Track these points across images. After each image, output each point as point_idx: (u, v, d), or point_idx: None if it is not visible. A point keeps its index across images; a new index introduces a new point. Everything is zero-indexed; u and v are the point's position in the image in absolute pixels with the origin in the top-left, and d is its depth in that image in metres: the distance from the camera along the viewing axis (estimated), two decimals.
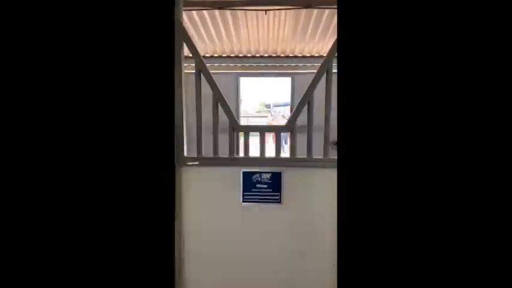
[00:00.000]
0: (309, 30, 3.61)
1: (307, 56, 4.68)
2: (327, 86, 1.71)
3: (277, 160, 1.74)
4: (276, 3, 1.82)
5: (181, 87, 1.66)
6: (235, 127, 1.75)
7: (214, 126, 1.76)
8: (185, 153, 1.71)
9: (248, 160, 1.73)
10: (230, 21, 3.35)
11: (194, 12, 3.00)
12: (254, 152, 1.79)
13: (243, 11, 2.96)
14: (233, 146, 1.76)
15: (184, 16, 1.68)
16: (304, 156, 1.74)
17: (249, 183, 1.71)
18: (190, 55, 1.72)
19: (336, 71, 1.65)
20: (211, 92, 1.73)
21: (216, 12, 3.04)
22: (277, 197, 1.70)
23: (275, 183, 1.70)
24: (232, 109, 1.76)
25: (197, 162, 1.71)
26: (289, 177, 1.70)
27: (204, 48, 4.34)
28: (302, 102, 1.72)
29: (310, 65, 4.67)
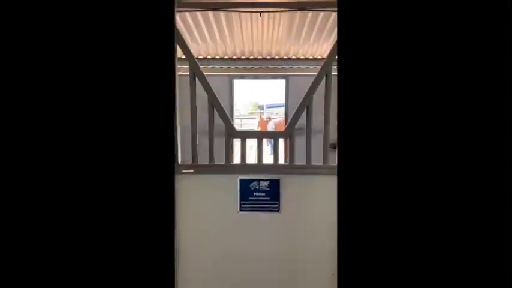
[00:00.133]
0: (304, 33, 3.59)
1: (302, 58, 4.66)
2: (326, 89, 1.67)
3: (275, 167, 1.69)
4: (271, 5, 1.77)
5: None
6: (231, 133, 1.70)
7: (210, 132, 1.70)
8: (179, 161, 1.64)
9: (245, 167, 1.67)
10: (224, 23, 3.29)
11: (187, 13, 2.93)
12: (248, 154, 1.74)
13: (237, 12, 2.91)
14: (229, 152, 1.70)
15: (178, 17, 1.62)
16: (303, 160, 1.70)
17: (247, 191, 1.65)
18: (184, 57, 1.66)
19: (335, 73, 1.61)
20: (204, 93, 1.67)
21: (210, 13, 2.98)
22: (276, 206, 1.65)
23: (273, 191, 1.65)
24: (226, 111, 1.70)
25: (192, 170, 1.64)
26: (287, 185, 1.65)
27: (197, 49, 4.27)
28: (301, 107, 1.68)
29: (304, 67, 4.66)
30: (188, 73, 1.68)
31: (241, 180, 1.65)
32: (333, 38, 3.64)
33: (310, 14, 3.02)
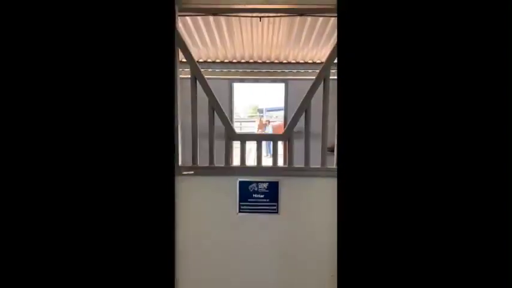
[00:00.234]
0: (303, 37, 3.63)
1: (301, 62, 4.71)
2: (324, 93, 1.70)
3: (274, 169, 1.71)
4: (270, 10, 1.81)
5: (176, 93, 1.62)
6: (231, 135, 1.72)
7: (210, 135, 1.72)
8: (180, 163, 1.66)
9: (244, 169, 1.69)
10: (224, 27, 3.34)
11: (188, 17, 2.97)
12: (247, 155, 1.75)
13: (237, 17, 2.95)
14: (229, 155, 1.72)
15: (179, 21, 1.65)
16: (301, 163, 1.72)
17: (246, 192, 1.67)
18: (184, 60, 1.69)
19: (334, 77, 1.64)
20: (204, 96, 1.69)
21: (211, 18, 3.02)
22: (275, 207, 1.67)
23: (272, 192, 1.67)
24: (226, 114, 1.73)
25: (192, 172, 1.66)
26: (286, 187, 1.67)
27: (198, 53, 4.31)
28: (300, 110, 1.70)
29: (303, 71, 4.70)
30: (189, 76, 1.71)
31: (241, 182, 1.67)
32: (332, 42, 3.69)
33: (309, 19, 3.07)
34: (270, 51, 4.27)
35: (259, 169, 1.70)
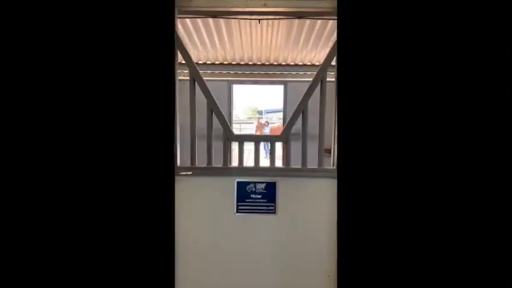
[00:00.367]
0: (302, 40, 3.66)
1: (300, 64, 4.73)
2: (321, 95, 1.72)
3: (271, 170, 1.72)
4: (269, 13, 1.83)
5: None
6: (229, 137, 1.74)
7: (209, 136, 1.74)
8: (178, 163, 1.68)
9: (242, 170, 1.71)
10: (224, 29, 3.36)
11: (188, 19, 3.00)
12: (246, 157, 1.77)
13: (237, 19, 2.97)
14: (227, 155, 1.74)
15: (178, 23, 1.67)
16: (298, 165, 1.73)
17: (243, 193, 1.68)
18: (184, 62, 1.70)
19: (331, 79, 1.66)
20: (203, 98, 1.71)
21: (210, 20, 3.05)
22: (272, 208, 1.69)
23: (270, 193, 1.68)
24: (225, 116, 1.74)
25: (190, 172, 1.68)
26: (283, 187, 1.69)
27: (197, 55, 4.34)
28: (297, 112, 1.72)
29: (302, 73, 4.73)
30: (188, 78, 1.73)
31: (238, 183, 1.68)
32: (331, 44, 3.70)
33: (308, 21, 3.09)
34: (269, 53, 4.30)
35: (256, 170, 1.72)
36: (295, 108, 1.73)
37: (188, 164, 1.73)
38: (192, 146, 1.74)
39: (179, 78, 1.72)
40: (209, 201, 1.70)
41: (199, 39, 3.63)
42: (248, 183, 1.68)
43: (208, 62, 4.69)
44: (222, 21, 3.09)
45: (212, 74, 4.71)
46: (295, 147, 1.75)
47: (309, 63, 4.69)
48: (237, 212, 1.69)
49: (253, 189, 1.68)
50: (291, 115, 1.74)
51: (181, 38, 1.68)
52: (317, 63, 4.59)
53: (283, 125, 4.94)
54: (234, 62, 4.71)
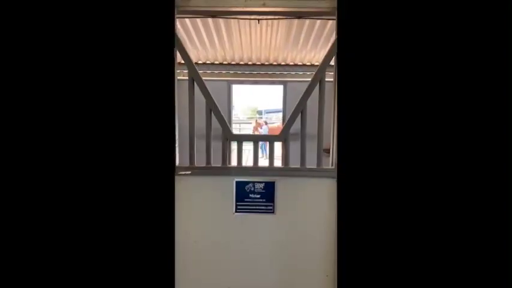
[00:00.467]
0: (301, 40, 3.66)
1: (299, 65, 4.74)
2: (320, 95, 1.72)
3: (270, 170, 1.72)
4: (269, 13, 1.83)
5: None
6: (228, 136, 1.74)
7: (208, 136, 1.74)
8: (177, 163, 1.68)
9: (241, 170, 1.71)
10: (223, 29, 3.36)
11: (187, 19, 3.00)
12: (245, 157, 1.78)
13: (236, 19, 2.97)
14: (226, 155, 1.74)
15: (177, 23, 1.67)
16: (297, 164, 1.74)
17: (242, 193, 1.69)
18: (183, 61, 1.71)
19: (330, 79, 1.67)
20: (202, 98, 1.71)
21: (209, 20, 3.05)
22: (271, 207, 1.69)
23: (268, 193, 1.68)
24: (224, 116, 1.75)
25: (189, 172, 1.68)
26: (282, 187, 1.69)
27: (197, 54, 4.34)
28: (296, 111, 1.72)
29: (302, 73, 4.74)
30: (187, 78, 1.73)
31: (237, 182, 1.69)
32: (330, 44, 3.71)
33: (307, 21, 3.10)
34: (268, 53, 4.30)
35: (255, 169, 1.72)
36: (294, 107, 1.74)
37: (187, 163, 1.73)
38: (191, 146, 1.74)
39: (178, 78, 1.72)
40: (208, 200, 1.70)
41: (198, 39, 3.64)
42: (247, 182, 1.69)
43: (208, 62, 4.70)
44: (221, 21, 3.09)
45: (211, 74, 4.71)
46: (294, 147, 1.75)
47: (308, 63, 4.69)
48: (236, 211, 1.70)
49: (252, 189, 1.68)
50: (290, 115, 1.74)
51: (180, 38, 1.68)
52: (316, 63, 4.60)
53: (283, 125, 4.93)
54: (233, 62, 4.71)
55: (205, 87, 1.71)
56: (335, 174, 1.64)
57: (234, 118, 7.04)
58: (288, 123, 1.74)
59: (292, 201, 1.69)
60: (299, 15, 2.14)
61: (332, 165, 1.69)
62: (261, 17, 2.75)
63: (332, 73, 1.69)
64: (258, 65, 4.76)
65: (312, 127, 1.73)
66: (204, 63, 4.69)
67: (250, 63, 4.72)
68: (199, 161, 1.74)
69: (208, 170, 1.72)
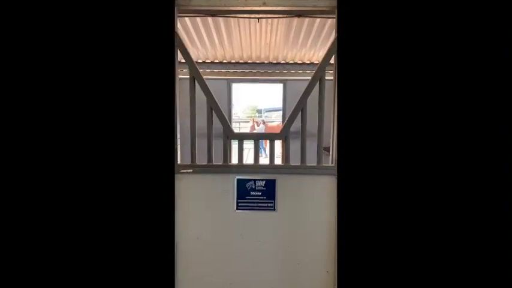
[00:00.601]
0: (301, 38, 3.67)
1: (299, 63, 4.74)
2: (320, 93, 1.73)
3: (271, 168, 1.74)
4: (268, 11, 1.84)
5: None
6: (229, 135, 1.75)
7: (209, 134, 1.75)
8: (178, 161, 1.69)
9: (242, 168, 1.73)
10: (223, 28, 3.36)
11: (187, 19, 3.00)
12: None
13: (236, 18, 2.98)
14: (227, 153, 1.76)
15: (178, 22, 1.68)
16: (297, 162, 1.75)
17: (243, 190, 1.70)
18: (183, 60, 1.72)
19: (330, 78, 1.68)
20: (203, 96, 1.72)
21: (209, 19, 3.05)
22: (272, 205, 1.70)
23: (269, 190, 1.70)
24: (225, 114, 1.76)
25: (191, 170, 1.69)
26: (283, 184, 1.70)
27: (197, 53, 4.34)
28: (296, 110, 1.74)
29: (301, 71, 4.74)
30: (188, 76, 1.74)
31: (238, 180, 1.70)
32: (330, 43, 3.71)
33: (307, 20, 3.10)
34: (268, 52, 4.30)
35: (256, 167, 1.73)
36: (294, 106, 1.75)
37: (189, 161, 1.74)
38: (192, 144, 1.75)
39: (179, 77, 1.73)
40: (209, 198, 1.72)
41: (198, 38, 3.64)
42: (248, 180, 1.70)
43: (208, 61, 4.70)
44: (221, 20, 3.10)
45: (211, 73, 4.72)
46: (294, 145, 1.77)
47: (308, 62, 4.70)
48: (237, 209, 1.71)
49: (253, 187, 1.70)
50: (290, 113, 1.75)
51: (180, 37, 1.69)
52: (316, 62, 4.60)
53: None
54: (233, 61, 4.71)
55: (206, 86, 1.72)
56: (335, 171, 1.66)
57: (233, 117, 7.05)
58: (288, 121, 1.75)
59: (293, 198, 1.71)
60: (299, 14, 2.15)
61: (332, 163, 1.71)
62: (260, 15, 2.75)
63: (332, 71, 1.70)
64: (258, 63, 4.76)
65: (312, 125, 1.74)
66: (204, 62, 4.70)
67: (250, 61, 4.73)
68: (201, 159, 1.75)
69: (209, 168, 1.73)
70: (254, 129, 9.47)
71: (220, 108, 1.73)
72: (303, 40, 3.74)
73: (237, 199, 1.70)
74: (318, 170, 1.71)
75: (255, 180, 1.70)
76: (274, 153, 1.80)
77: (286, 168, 1.73)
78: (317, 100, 1.73)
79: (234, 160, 1.86)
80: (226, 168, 1.73)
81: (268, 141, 1.90)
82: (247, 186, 1.70)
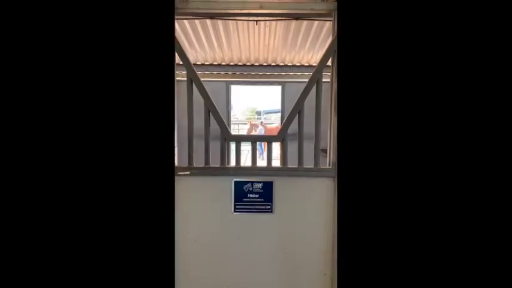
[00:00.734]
0: (299, 40, 3.69)
1: (297, 65, 4.76)
2: (317, 95, 1.74)
3: (268, 170, 1.74)
4: (267, 14, 1.85)
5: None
6: (227, 137, 1.76)
7: (206, 136, 1.75)
8: (176, 163, 1.69)
9: (239, 170, 1.73)
10: (221, 30, 3.38)
11: (186, 21, 3.02)
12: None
13: (234, 20, 2.99)
14: (225, 155, 1.76)
15: (176, 25, 1.69)
16: (295, 164, 1.75)
17: (241, 192, 1.70)
18: (181, 62, 1.72)
19: (326, 80, 1.68)
20: (201, 98, 1.73)
21: (208, 21, 3.07)
22: (269, 207, 1.71)
23: (267, 192, 1.70)
24: (223, 116, 1.76)
25: (188, 172, 1.70)
26: (280, 187, 1.71)
27: (195, 56, 4.36)
28: (293, 112, 1.74)
29: (300, 73, 4.76)
30: (185, 79, 1.75)
31: (236, 182, 1.70)
32: (327, 45, 3.72)
33: (305, 22, 3.12)
34: (266, 54, 4.32)
35: (253, 169, 1.74)
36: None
37: (186, 164, 1.74)
38: (190, 146, 1.76)
39: (177, 79, 1.74)
40: (207, 200, 1.72)
41: (197, 40, 3.65)
42: (245, 182, 1.70)
43: (206, 63, 4.71)
44: (219, 22, 3.11)
45: (210, 75, 4.73)
46: (292, 147, 1.77)
47: (306, 64, 4.72)
48: (235, 211, 1.71)
49: (251, 189, 1.70)
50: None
51: (178, 39, 1.70)
52: (314, 64, 4.63)
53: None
54: (231, 63, 4.73)
55: (204, 88, 1.73)
56: (332, 173, 1.66)
57: (232, 119, 7.06)
58: (285, 123, 1.75)
59: (290, 200, 1.71)
60: (297, 17, 2.17)
61: (329, 165, 1.71)
62: (259, 18, 2.77)
63: (329, 74, 1.71)
64: (256, 65, 4.78)
65: (309, 127, 1.75)
66: (203, 64, 4.71)
67: (248, 63, 4.75)
68: (198, 162, 1.76)
69: (207, 170, 1.73)
70: (251, 132, 9.42)
71: (217, 111, 1.74)
72: (301, 42, 3.76)
73: (235, 201, 1.71)
74: (315, 172, 1.72)
75: (252, 182, 1.70)
76: (271, 156, 1.81)
77: (283, 170, 1.73)
78: (314, 102, 1.74)
79: (232, 162, 1.87)
80: (223, 170, 1.73)
81: (266, 143, 1.90)
82: (244, 188, 1.71)
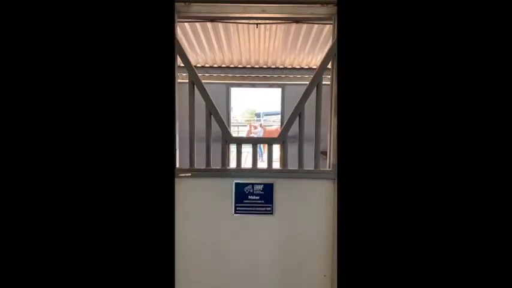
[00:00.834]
0: (299, 43, 3.71)
1: (297, 68, 4.79)
2: (318, 98, 1.76)
3: (269, 172, 1.75)
4: (267, 18, 1.87)
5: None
6: (227, 139, 1.77)
7: (207, 138, 1.77)
8: (177, 165, 1.71)
9: (240, 171, 1.74)
10: (222, 33, 3.40)
11: (186, 24, 3.04)
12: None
13: (235, 23, 3.02)
14: (225, 157, 1.77)
15: (177, 27, 1.71)
16: (295, 166, 1.77)
17: (241, 194, 1.71)
18: (182, 65, 1.74)
19: (326, 83, 1.70)
20: (202, 100, 1.74)
21: (208, 24, 3.09)
22: (270, 209, 1.72)
23: (267, 194, 1.71)
24: (223, 118, 1.78)
25: (189, 174, 1.71)
26: (281, 188, 1.72)
27: (196, 58, 4.38)
28: (294, 114, 1.76)
29: (300, 76, 4.78)
30: (187, 81, 1.76)
31: (237, 184, 1.71)
32: (327, 48, 3.75)
33: (305, 26, 3.15)
34: (266, 57, 4.35)
35: (254, 171, 1.75)
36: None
37: (187, 165, 1.76)
38: (191, 148, 1.77)
39: (178, 81, 1.75)
40: (208, 202, 1.73)
41: (197, 42, 3.67)
42: (246, 184, 1.71)
43: (207, 65, 4.73)
44: (220, 25, 3.13)
45: (210, 77, 4.75)
46: (292, 149, 1.78)
47: (306, 67, 4.74)
48: (235, 213, 1.72)
49: (251, 191, 1.71)
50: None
51: (179, 41, 1.72)
52: (314, 67, 4.65)
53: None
54: (232, 65, 4.75)
55: (205, 91, 1.74)
56: (332, 175, 1.68)
57: (232, 121, 7.08)
58: (286, 126, 1.77)
59: (291, 202, 1.72)
60: (297, 20, 2.19)
61: (329, 167, 1.73)
62: (259, 21, 2.80)
63: (329, 76, 1.73)
64: (257, 68, 4.80)
65: (309, 130, 1.76)
66: (203, 67, 4.73)
67: (248, 66, 4.77)
68: (199, 163, 1.77)
69: (208, 172, 1.75)
70: (251, 133, 9.45)
71: (218, 113, 1.75)
72: (301, 45, 3.79)
73: (235, 203, 1.72)
74: (315, 174, 1.73)
75: (253, 184, 1.71)
76: (272, 158, 1.82)
77: (284, 172, 1.74)
78: (314, 105, 1.75)
79: (233, 164, 1.88)
80: (224, 172, 1.74)
81: (266, 145, 1.92)
82: (245, 190, 1.72)
